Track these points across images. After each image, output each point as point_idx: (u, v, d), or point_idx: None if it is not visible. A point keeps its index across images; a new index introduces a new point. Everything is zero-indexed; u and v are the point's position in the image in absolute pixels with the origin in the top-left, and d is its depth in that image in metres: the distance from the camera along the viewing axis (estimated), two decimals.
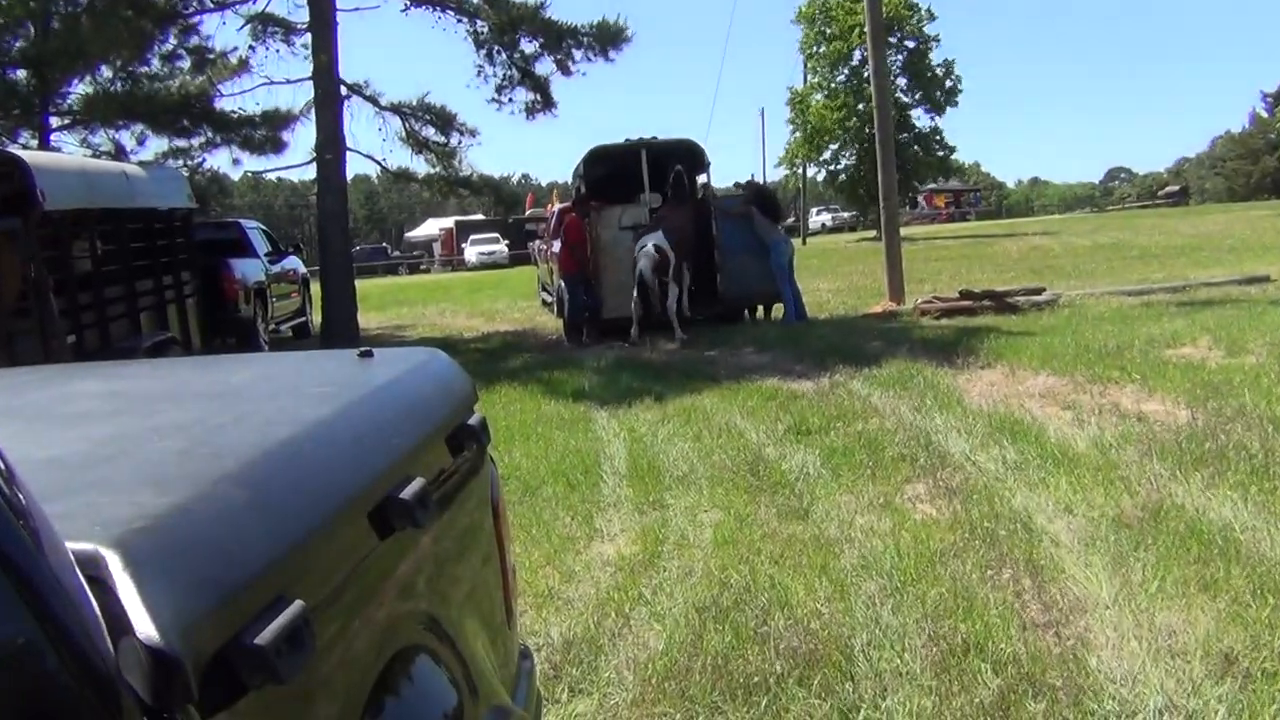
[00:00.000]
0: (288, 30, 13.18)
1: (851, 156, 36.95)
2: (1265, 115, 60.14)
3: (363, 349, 1.63)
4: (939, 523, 3.86)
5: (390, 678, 1.05)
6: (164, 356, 7.10)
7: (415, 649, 1.16)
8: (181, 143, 14.28)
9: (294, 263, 14.21)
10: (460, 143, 14.20)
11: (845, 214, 50.31)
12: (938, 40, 36.77)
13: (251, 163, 14.97)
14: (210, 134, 14.15)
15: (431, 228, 52.86)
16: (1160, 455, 4.39)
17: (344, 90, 12.86)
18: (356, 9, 13.05)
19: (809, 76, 37.50)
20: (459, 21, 13.71)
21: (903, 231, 14.06)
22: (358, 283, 13.70)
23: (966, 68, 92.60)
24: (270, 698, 0.77)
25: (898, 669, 2.66)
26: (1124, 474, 4.21)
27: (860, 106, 33.80)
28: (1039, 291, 10.81)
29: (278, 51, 13.43)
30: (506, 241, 40.01)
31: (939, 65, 36.58)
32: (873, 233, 31.69)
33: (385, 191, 79.36)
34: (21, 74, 13.47)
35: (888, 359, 7.61)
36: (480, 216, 49.68)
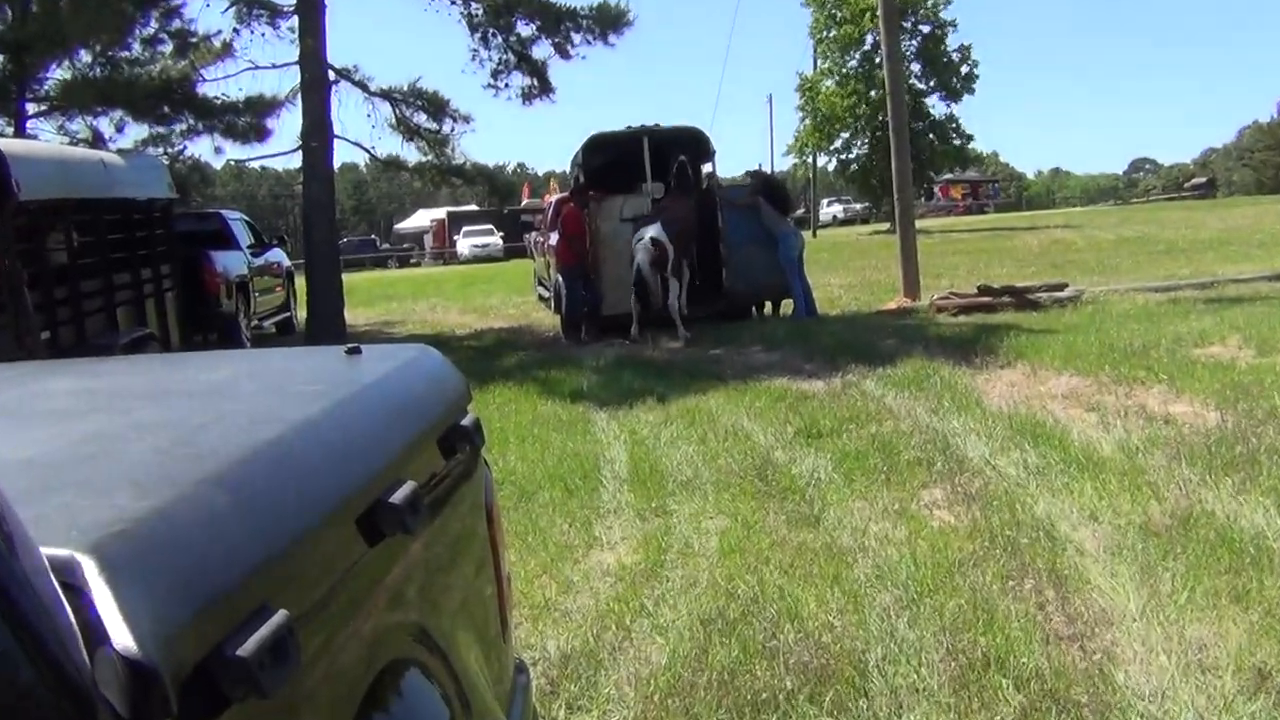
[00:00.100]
0: (273, 13, 13.18)
1: (864, 145, 36.93)
2: None
3: (350, 346, 1.63)
4: (957, 530, 3.85)
5: (379, 692, 1.05)
6: (142, 353, 7.10)
7: (405, 662, 1.15)
8: (162, 130, 14.29)
9: (278, 255, 14.21)
10: (453, 130, 14.21)
11: (857, 205, 50.29)
12: (954, 25, 36.76)
13: (234, 151, 14.97)
14: (192, 121, 14.16)
15: (422, 219, 52.94)
16: (1189, 459, 4.38)
17: (332, 75, 12.86)
18: None
19: (819, 62, 37.50)
20: (452, 3, 13.72)
21: (918, 224, 14.06)
22: (345, 276, 13.69)
23: (984, 53, 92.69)
24: (253, 712, 0.77)
25: (914, 685, 2.66)
26: (1151, 479, 4.21)
27: (873, 93, 33.77)
28: (1061, 287, 10.80)
29: (263, 35, 13.42)
30: (501, 234, 40.06)
31: (955, 50, 36.58)
32: (886, 225, 31.71)
33: (374, 181, 79.51)
34: None
35: (903, 358, 7.61)
36: (474, 207, 49.69)
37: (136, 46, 13.93)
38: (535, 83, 14.00)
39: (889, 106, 12.80)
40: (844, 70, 36.74)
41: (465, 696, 1.26)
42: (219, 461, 0.96)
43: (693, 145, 11.32)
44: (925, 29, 36.28)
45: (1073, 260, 16.28)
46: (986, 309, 10.11)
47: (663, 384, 7.54)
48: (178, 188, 10.62)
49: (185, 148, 14.90)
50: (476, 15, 13.68)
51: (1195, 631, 2.83)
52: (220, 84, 13.78)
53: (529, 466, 5.28)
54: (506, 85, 14.00)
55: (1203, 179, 60.53)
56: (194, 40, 13.78)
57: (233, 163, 20.61)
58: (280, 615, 0.80)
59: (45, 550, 0.69)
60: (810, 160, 40.86)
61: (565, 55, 13.65)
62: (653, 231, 10.00)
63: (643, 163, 11.18)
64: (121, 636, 0.68)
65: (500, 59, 13.91)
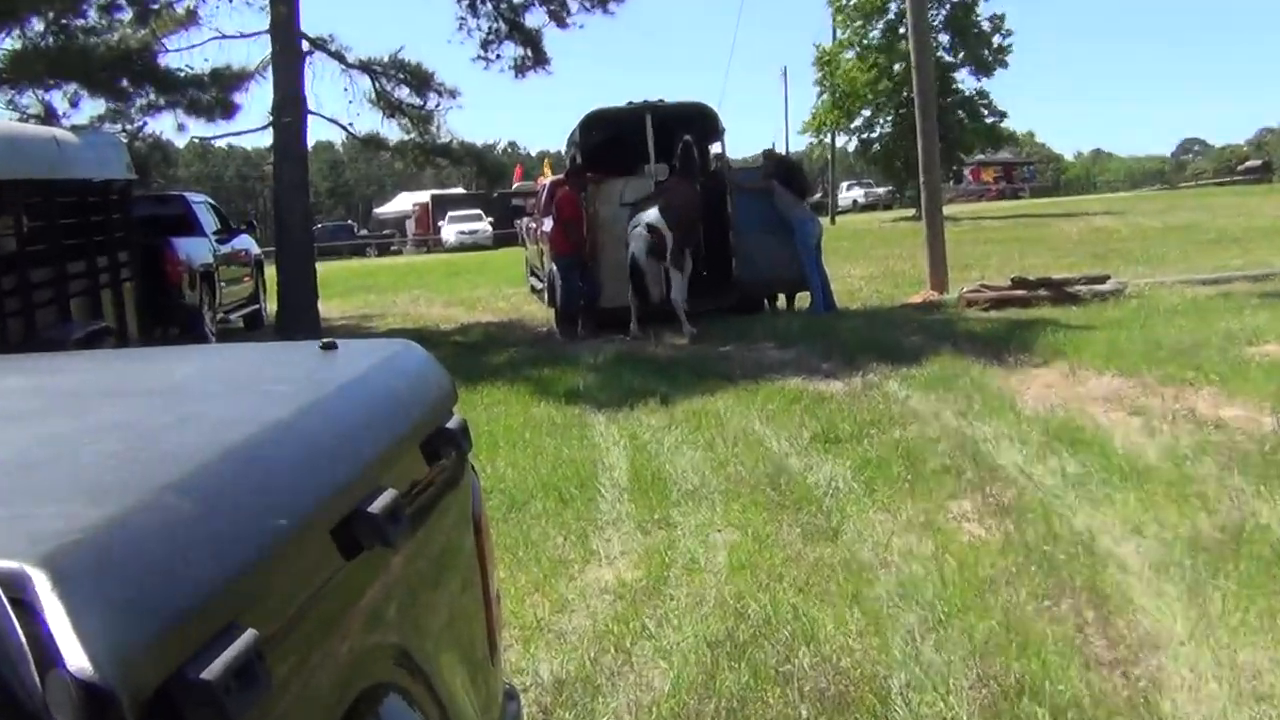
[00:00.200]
0: None
1: (887, 124, 36.90)
2: None
3: (325, 341, 1.63)
4: (988, 545, 3.85)
5: (356, 719, 1.05)
6: (97, 348, 7.11)
7: (384, 687, 1.15)
8: (120, 105, 14.28)
9: (246, 242, 14.22)
10: (438, 105, 14.20)
11: (880, 189, 50.31)
12: None
13: (199, 128, 14.95)
14: (153, 95, 14.14)
15: (404, 203, 52.96)
16: (1242, 468, 4.38)
17: (306, 45, 12.85)
18: None
19: (838, 32, 37.45)
20: None
21: (946, 210, 14.05)
22: (319, 265, 13.70)
23: (1018, 23, 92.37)
24: None
25: (941, 714, 2.66)
26: (1201, 489, 4.21)
27: (897, 67, 33.74)
28: (1102, 280, 10.79)
29: (230, 1, 13.45)
30: (490, 219, 40.07)
31: (987, 20, 36.51)
32: (911, 211, 31.67)
33: (351, 161, 79.50)
34: None
35: (929, 356, 7.61)
36: (460, 190, 49.68)
37: (92, 14, 13.91)
38: (529, 53, 13.99)
39: (914, 81, 12.79)
40: (865, 41, 36.68)
41: None
42: (182, 467, 0.96)
43: (700, 123, 11.31)
44: None
45: (1115, 250, 16.27)
46: (1021, 303, 10.11)
47: (666, 384, 7.54)
48: (137, 168, 10.61)
49: (145, 124, 14.89)
50: None
51: (1249, 656, 2.83)
52: (184, 55, 13.77)
53: (520, 474, 5.28)
54: (497, 56, 14.01)
55: (1257, 161, 60.42)
56: (155, 7, 13.76)
57: (197, 141, 20.60)
58: (248, 635, 0.80)
59: None
60: (828, 140, 40.83)
61: (562, 24, 13.65)
62: (649, 217, 9.99)
63: (645, 142, 11.17)
64: (76, 657, 0.68)
65: (490, 28, 13.91)
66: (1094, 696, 2.68)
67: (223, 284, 12.47)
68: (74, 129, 11.04)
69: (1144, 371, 6.49)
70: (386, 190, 70.03)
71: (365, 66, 13.79)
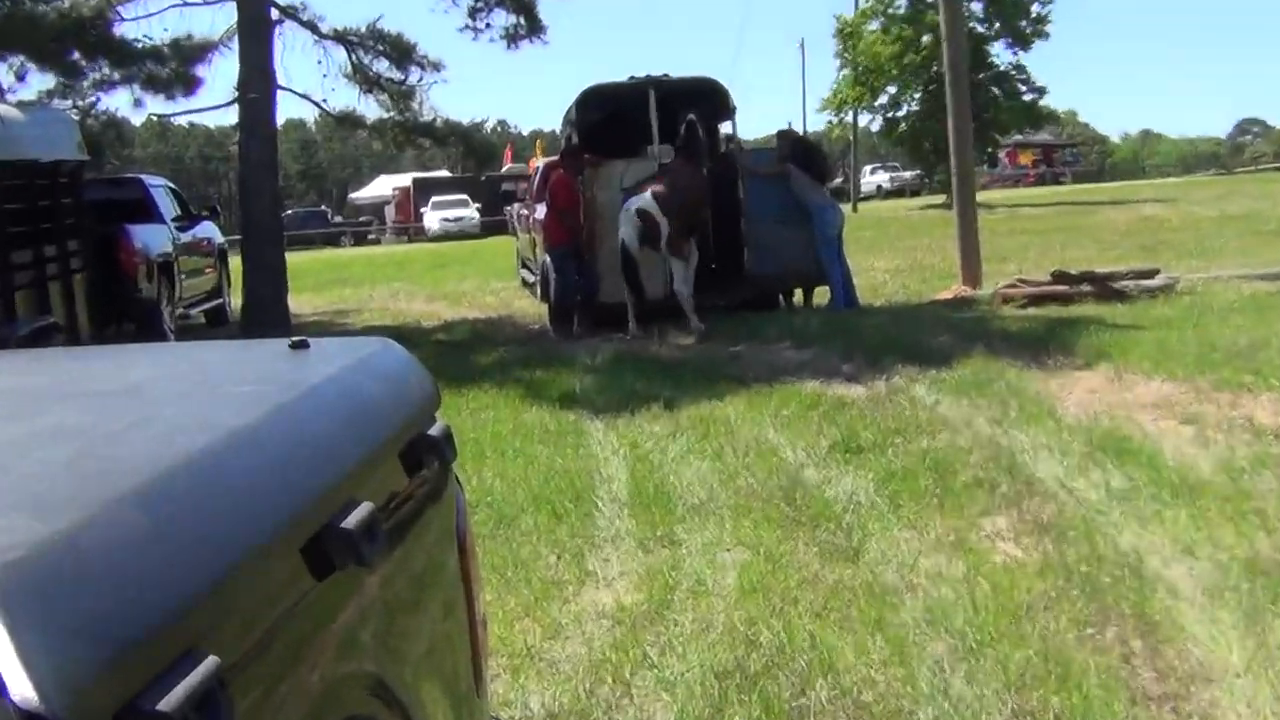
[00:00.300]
0: None
1: (914, 101, 36.89)
2: None
3: (295, 339, 1.63)
4: (1025, 567, 3.85)
5: None
6: (44, 346, 7.11)
7: (358, 719, 1.15)
8: (71, 79, 14.29)
9: (209, 230, 14.24)
10: (421, 79, 14.22)
11: (906, 173, 50.33)
12: None
13: (157, 104, 15.00)
14: (107, 68, 14.17)
15: (383, 187, 53.02)
16: None
17: (275, 14, 12.88)
18: None
19: (861, 1, 37.47)
20: None
21: (980, 196, 14.07)
22: (289, 256, 13.72)
23: None
24: None
25: None
26: (1259, 506, 4.20)
27: (925, 39, 33.74)
28: (1152, 274, 10.79)
29: None
30: (477, 205, 40.13)
31: None
32: (941, 198, 31.65)
33: (326, 141, 79.57)
34: None
35: (960, 358, 7.61)
36: (445, 173, 49.76)
37: None
38: (521, 21, 13.99)
39: (945, 54, 12.78)
40: (891, 11, 36.70)
41: None
42: (137, 477, 0.96)
43: (708, 100, 11.32)
44: None
45: (1166, 241, 16.26)
46: (1062, 299, 10.10)
47: (671, 387, 7.55)
48: (90, 148, 10.64)
49: (99, 100, 14.93)
50: None
51: None
52: (141, 24, 13.82)
53: (510, 486, 5.28)
54: (487, 25, 14.02)
55: None
56: None
57: (155, 118, 20.65)
58: (209, 662, 0.80)
59: None
60: (850, 119, 40.80)
61: None
62: (641, 201, 9.98)
63: (648, 121, 11.17)
64: (19, 685, 0.68)
65: None
66: None
67: (183, 276, 12.48)
68: (20, 105, 11.05)
69: (1197, 376, 6.48)
70: (363, 173, 70.07)
71: (340, 37, 13.81)
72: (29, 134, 8.59)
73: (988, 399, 6.42)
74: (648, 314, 10.35)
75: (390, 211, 48.25)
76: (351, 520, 1.11)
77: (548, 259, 11.26)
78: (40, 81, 14.43)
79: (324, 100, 14.34)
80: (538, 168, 15.53)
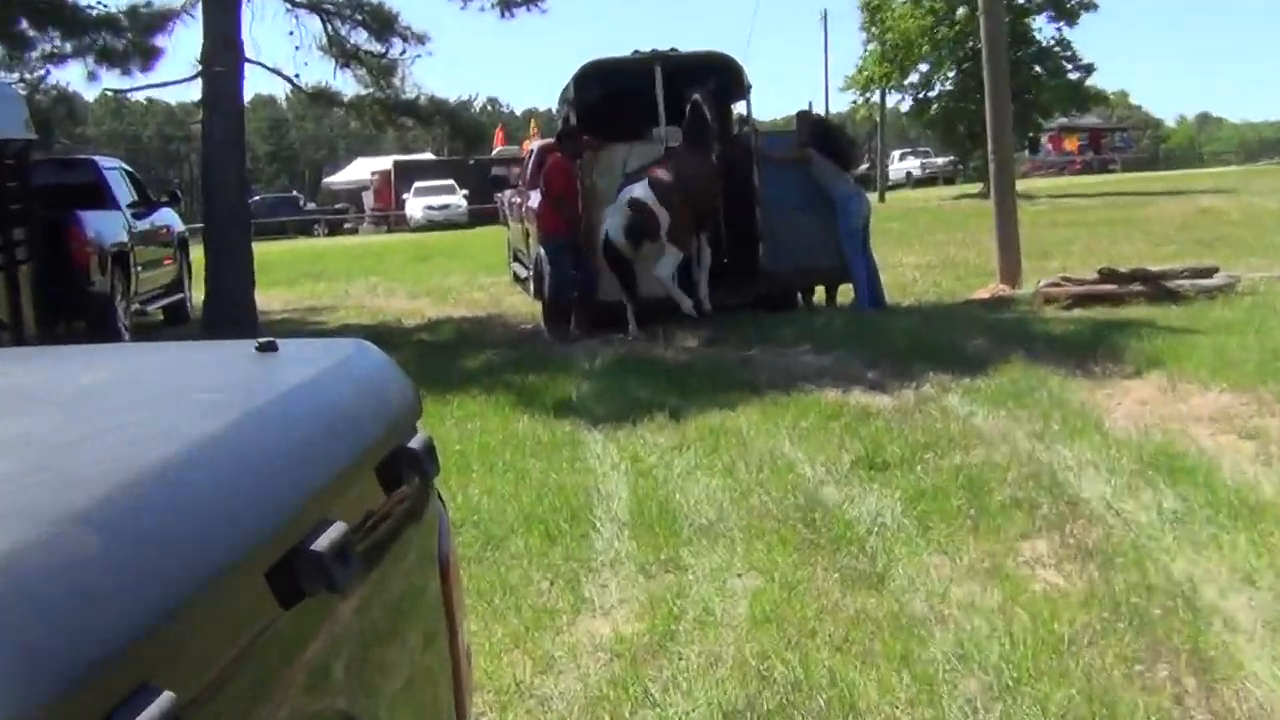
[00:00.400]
0: None
1: (948, 80, 36.93)
2: None
3: (263, 340, 1.63)
4: (1068, 596, 3.85)
5: None
6: None
7: None
8: (18, 51, 14.32)
9: (168, 218, 14.25)
10: (403, 53, 14.25)
11: (939, 160, 50.38)
12: None
13: (113, 79, 15.03)
14: (58, 39, 14.19)
15: (361, 171, 53.14)
16: None
17: None
18: None
19: None
20: None
21: (1020, 186, 14.06)
22: (257, 246, 13.72)
23: None
24: None
25: None
26: None
27: (959, 11, 33.79)
28: (1210, 273, 10.78)
29: None
30: (465, 191, 40.15)
31: None
32: (977, 187, 31.69)
33: (298, 120, 79.80)
34: None
35: (997, 364, 7.61)
36: (429, 156, 49.80)
37: None
38: None
39: (982, 28, 12.80)
40: None
41: None
42: (87, 492, 0.96)
43: (720, 77, 11.30)
44: None
45: (1224, 237, 16.26)
46: (1110, 300, 10.11)
47: (676, 394, 7.55)
48: (38, 126, 10.66)
49: (49, 73, 14.96)
50: None
51: None
52: None
53: (498, 503, 5.28)
54: None
55: None
56: None
57: (110, 94, 20.69)
58: (164, 698, 0.81)
59: None
60: (877, 99, 40.85)
61: None
62: (637, 189, 9.98)
63: (654, 99, 11.17)
64: None
65: None
66: None
67: (139, 268, 12.49)
68: None
69: (1259, 386, 6.48)
70: (339, 155, 70.26)
71: (315, 5, 13.84)
72: None
73: (1027, 410, 6.42)
74: (650, 314, 10.35)
75: (368, 198, 48.31)
76: (323, 542, 1.11)
77: (542, 252, 11.27)
78: None
79: (296, 75, 14.36)
80: (531, 151, 15.54)
